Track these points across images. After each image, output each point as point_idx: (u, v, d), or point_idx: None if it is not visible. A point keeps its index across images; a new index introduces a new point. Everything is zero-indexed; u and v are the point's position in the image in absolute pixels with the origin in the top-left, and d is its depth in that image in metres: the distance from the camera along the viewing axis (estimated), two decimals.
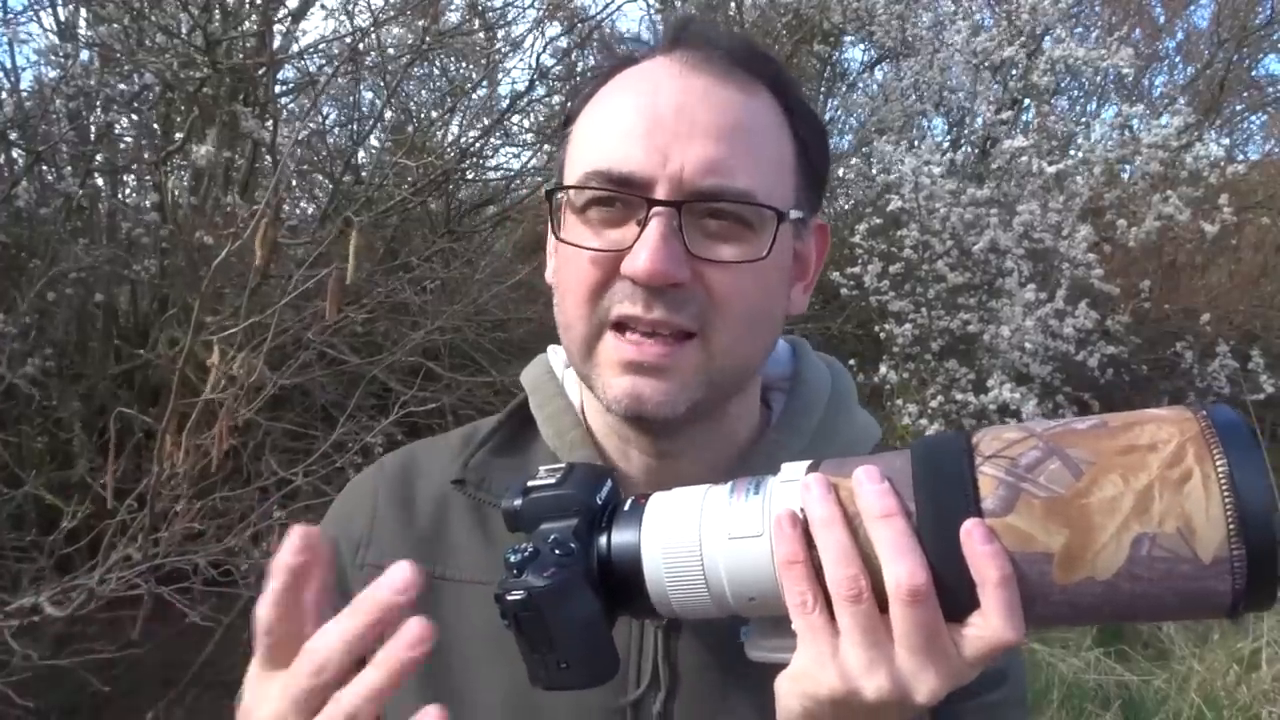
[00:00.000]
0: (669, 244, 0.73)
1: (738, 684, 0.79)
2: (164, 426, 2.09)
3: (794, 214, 0.78)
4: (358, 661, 0.59)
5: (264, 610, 0.61)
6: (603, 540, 0.68)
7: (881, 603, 0.59)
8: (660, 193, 0.74)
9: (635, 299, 0.74)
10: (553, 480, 0.70)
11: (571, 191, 0.78)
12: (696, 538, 0.65)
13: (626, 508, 0.69)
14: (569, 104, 0.87)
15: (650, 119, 0.75)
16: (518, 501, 0.70)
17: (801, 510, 0.62)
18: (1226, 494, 0.53)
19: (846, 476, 0.62)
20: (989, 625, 0.57)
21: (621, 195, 0.75)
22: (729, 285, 0.75)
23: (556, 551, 0.65)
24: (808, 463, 0.66)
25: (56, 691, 3.45)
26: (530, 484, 0.71)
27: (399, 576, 0.59)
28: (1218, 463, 0.54)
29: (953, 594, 0.58)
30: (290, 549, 0.61)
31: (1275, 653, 4.48)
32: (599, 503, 0.69)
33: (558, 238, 0.79)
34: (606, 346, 0.77)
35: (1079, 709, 4.26)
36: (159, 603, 2.85)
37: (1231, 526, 0.53)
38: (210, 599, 3.00)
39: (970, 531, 0.57)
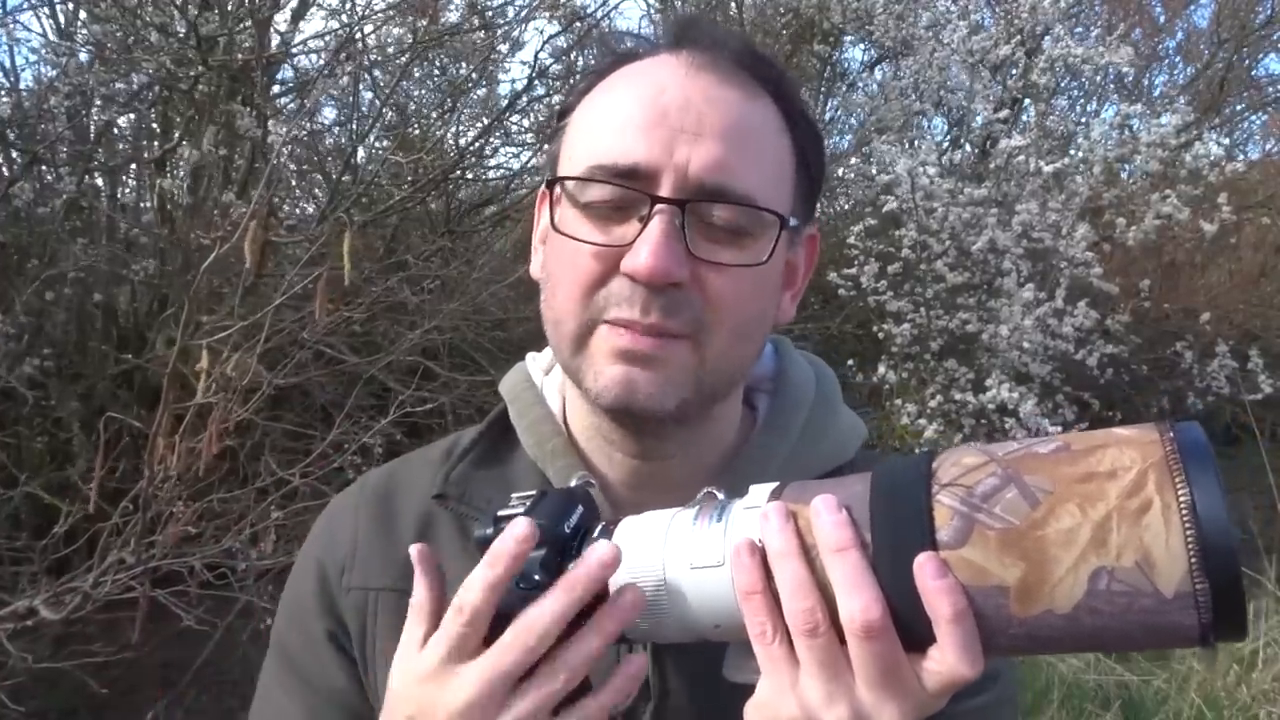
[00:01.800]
0: (671, 242, 0.72)
1: (727, 694, 0.77)
2: (155, 429, 2.07)
3: (793, 221, 0.77)
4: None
5: (477, 596, 0.63)
6: (571, 568, 0.67)
7: (842, 634, 0.58)
8: (665, 188, 0.73)
9: (633, 300, 0.73)
10: (521, 509, 0.69)
11: (571, 184, 0.76)
12: (661, 566, 0.64)
13: (596, 534, 0.69)
14: (566, 98, 0.85)
15: (656, 113, 0.74)
16: (489, 531, 0.69)
17: (760, 540, 0.61)
18: (1188, 525, 0.51)
19: (807, 504, 0.61)
20: (945, 660, 0.56)
21: (626, 189, 0.74)
22: (726, 290, 0.74)
23: (521, 584, 0.65)
24: (772, 487, 0.65)
25: (56, 693, 3.45)
26: (500, 513, 0.70)
27: (609, 554, 0.63)
28: (1179, 492, 0.52)
29: (911, 626, 0.57)
30: (515, 537, 0.63)
31: (1275, 653, 4.47)
32: (567, 531, 0.68)
33: (556, 229, 0.77)
34: (599, 337, 0.76)
35: (1079, 709, 4.26)
36: (158, 603, 2.85)
37: (1194, 560, 0.51)
38: (206, 601, 3.00)
39: (923, 566, 0.55)
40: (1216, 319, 6.92)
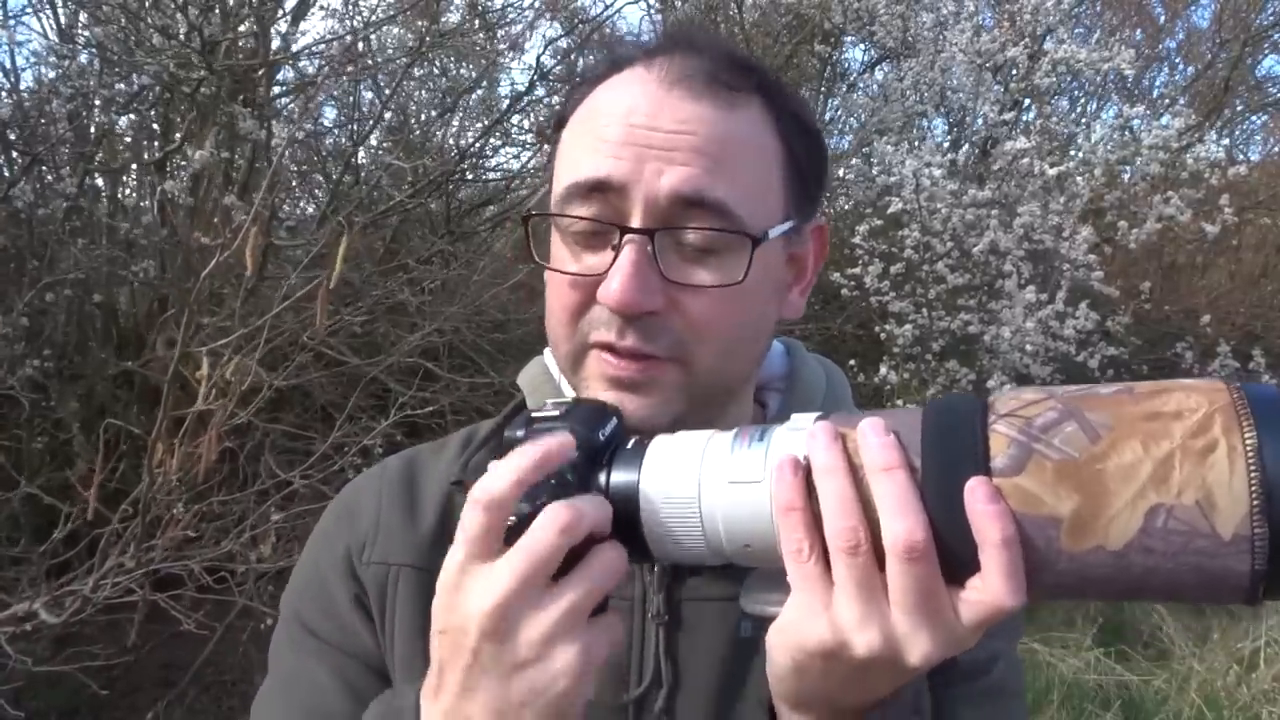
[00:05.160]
0: (641, 272, 0.72)
1: (740, 681, 0.79)
2: (155, 434, 2.07)
3: (775, 231, 0.77)
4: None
5: (502, 486, 0.61)
6: (602, 477, 0.66)
7: (881, 558, 0.57)
8: (635, 208, 0.73)
9: (610, 326, 0.74)
10: (557, 414, 0.69)
11: (553, 210, 0.78)
12: (696, 481, 0.63)
13: (629, 446, 0.68)
14: (563, 108, 0.86)
15: (625, 133, 0.74)
16: (520, 432, 0.69)
17: (805, 457, 0.60)
18: (1254, 468, 0.50)
19: (854, 428, 0.60)
20: (988, 588, 0.55)
21: (596, 224, 0.74)
22: (705, 311, 0.75)
23: (552, 481, 0.64)
24: (817, 414, 0.64)
25: (56, 694, 3.46)
26: (535, 415, 0.70)
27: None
28: (1246, 436, 0.51)
29: (954, 554, 0.55)
30: (558, 440, 0.63)
31: (1275, 653, 4.48)
32: (601, 439, 0.68)
33: (537, 260, 0.79)
34: (591, 362, 0.77)
35: (1079, 709, 4.27)
36: (158, 605, 2.85)
37: (1256, 503, 0.50)
38: (205, 604, 3.00)
39: (974, 489, 0.54)
40: (1217, 320, 6.91)
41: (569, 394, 0.89)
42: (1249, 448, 0.51)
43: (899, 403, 5.42)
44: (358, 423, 3.66)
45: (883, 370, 5.48)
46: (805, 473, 0.60)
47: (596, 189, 0.74)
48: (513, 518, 0.63)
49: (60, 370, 4.11)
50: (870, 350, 5.87)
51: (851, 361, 5.64)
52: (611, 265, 0.73)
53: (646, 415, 0.75)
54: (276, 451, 3.79)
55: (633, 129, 0.74)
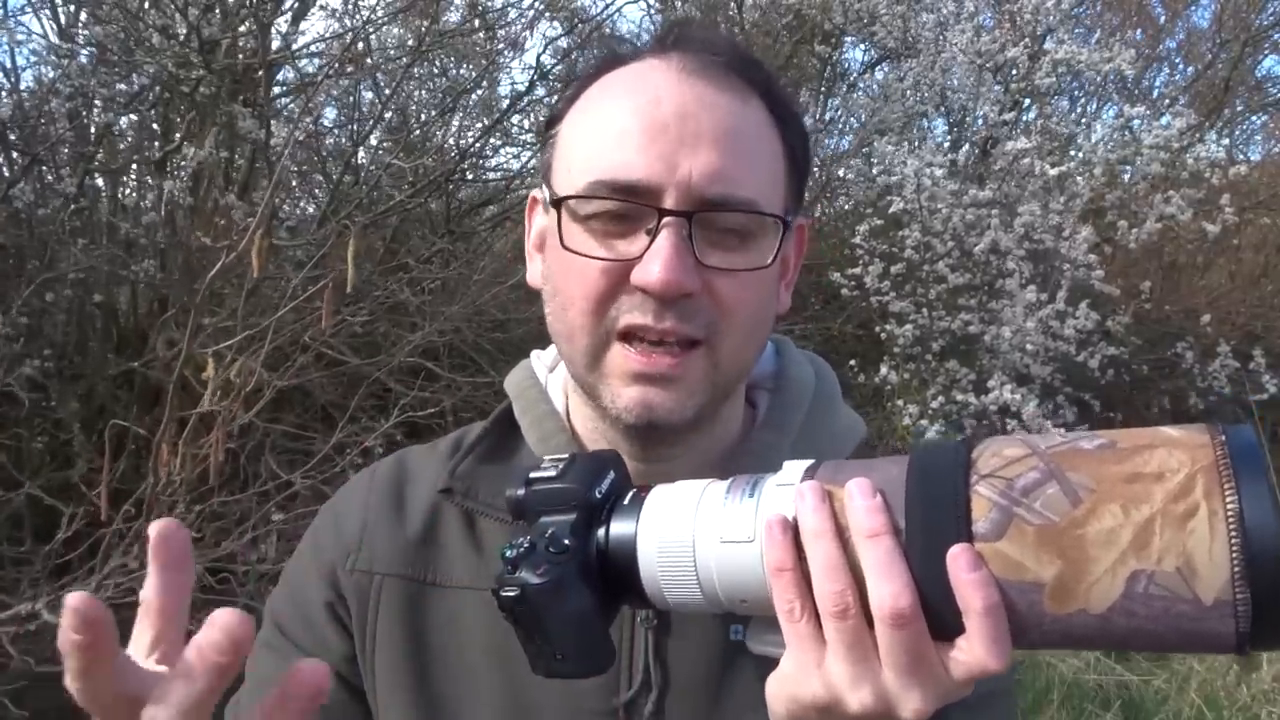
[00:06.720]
0: (681, 254, 0.72)
1: (729, 684, 0.80)
2: (160, 435, 2.08)
3: (789, 219, 0.79)
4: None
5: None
6: (601, 533, 0.67)
7: (871, 618, 0.58)
8: (669, 201, 0.73)
9: (645, 309, 0.74)
10: (554, 472, 0.70)
11: (574, 200, 0.77)
12: (690, 538, 0.64)
13: (626, 501, 0.68)
14: (555, 105, 0.86)
15: (653, 125, 0.74)
16: (520, 491, 0.70)
17: (794, 516, 0.61)
18: (1234, 534, 0.50)
19: (841, 485, 0.60)
20: (973, 652, 0.56)
21: (631, 205, 0.74)
22: (736, 294, 0.75)
23: (551, 548, 0.65)
24: (806, 464, 0.64)
25: (59, 694, 3.44)
26: (533, 475, 0.70)
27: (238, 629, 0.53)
28: (1228, 499, 0.51)
29: (940, 615, 0.56)
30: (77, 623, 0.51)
31: (1276, 653, 4.48)
32: (598, 496, 0.68)
33: (565, 247, 0.77)
34: (614, 357, 0.76)
35: (1079, 709, 4.26)
36: None
37: (1237, 569, 0.50)
38: (209, 605, 2.99)
39: (957, 557, 0.55)
40: (1217, 320, 6.91)
41: (555, 396, 0.90)
42: (1230, 512, 0.51)
43: (899, 402, 5.43)
44: (358, 423, 3.65)
45: (883, 370, 5.48)
46: (794, 533, 0.60)
47: (629, 186, 0.74)
48: (515, 589, 0.63)
49: (60, 370, 4.10)
50: (870, 350, 5.87)
51: (852, 361, 5.64)
52: (647, 249, 0.73)
53: (673, 408, 0.76)
54: (277, 452, 3.78)
55: (661, 121, 0.74)
